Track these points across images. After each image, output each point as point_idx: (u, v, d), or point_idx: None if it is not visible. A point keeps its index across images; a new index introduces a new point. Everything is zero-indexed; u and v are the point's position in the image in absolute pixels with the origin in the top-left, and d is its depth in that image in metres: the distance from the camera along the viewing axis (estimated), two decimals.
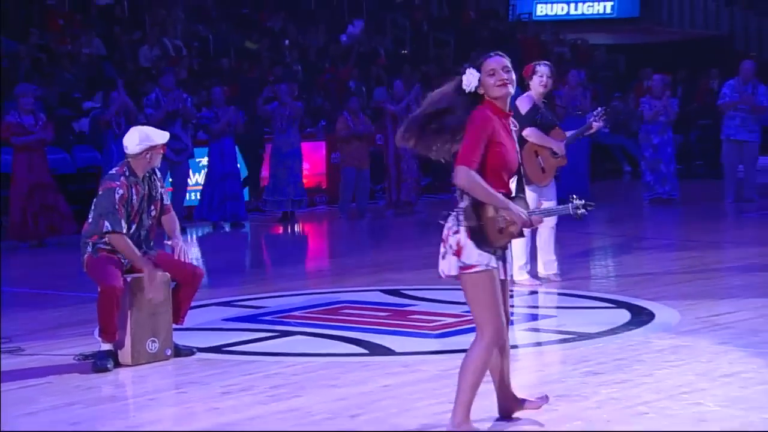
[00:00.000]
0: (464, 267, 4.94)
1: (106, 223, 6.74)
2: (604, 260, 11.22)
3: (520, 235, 5.08)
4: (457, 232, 4.96)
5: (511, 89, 5.06)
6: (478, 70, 5.02)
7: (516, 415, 5.34)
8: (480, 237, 4.93)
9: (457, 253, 4.94)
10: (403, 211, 15.15)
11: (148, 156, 6.88)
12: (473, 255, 4.92)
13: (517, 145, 5.13)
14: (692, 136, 20.40)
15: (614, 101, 20.16)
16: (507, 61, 5.07)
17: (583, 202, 5.23)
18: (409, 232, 14.08)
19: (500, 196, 4.94)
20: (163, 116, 13.30)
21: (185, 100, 13.81)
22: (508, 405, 5.36)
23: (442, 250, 5.05)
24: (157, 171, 7.07)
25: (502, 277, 5.07)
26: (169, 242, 7.05)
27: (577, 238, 11.75)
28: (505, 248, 5.09)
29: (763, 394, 5.76)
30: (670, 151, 15.39)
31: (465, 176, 4.89)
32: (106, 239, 6.78)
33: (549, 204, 9.11)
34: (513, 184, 5.13)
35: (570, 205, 5.23)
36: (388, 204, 15.44)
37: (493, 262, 4.96)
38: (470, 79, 5.03)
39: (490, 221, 4.94)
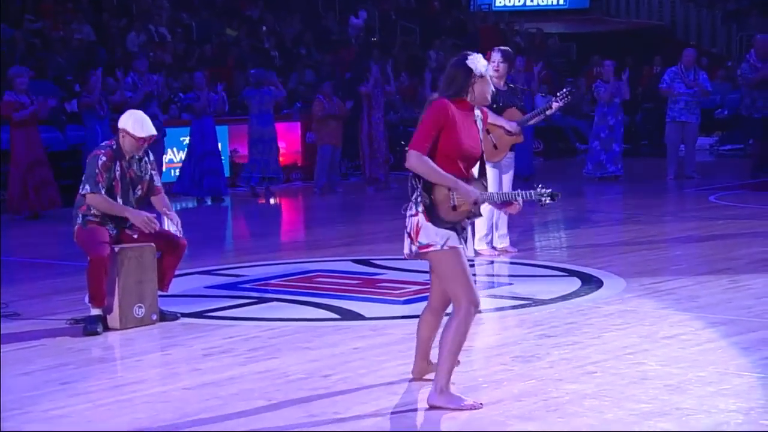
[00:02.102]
0: (422, 246, 4.92)
1: (87, 186, 6.70)
2: (557, 232, 11.25)
3: (478, 213, 5.03)
4: (415, 215, 4.94)
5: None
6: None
7: (427, 377, 5.27)
8: (434, 215, 4.90)
9: (416, 234, 4.92)
10: (380, 187, 15.11)
11: (122, 137, 6.81)
12: (430, 235, 4.90)
13: (480, 135, 5.05)
14: (638, 118, 20.46)
15: (567, 86, 20.16)
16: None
17: (550, 191, 5.10)
18: (379, 206, 14.06)
19: (449, 176, 4.87)
20: (141, 98, 13.21)
21: (157, 82, 13.74)
22: (425, 366, 5.32)
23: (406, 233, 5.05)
24: (149, 154, 6.99)
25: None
26: (166, 212, 6.97)
27: (531, 212, 11.77)
28: (464, 227, 5.03)
29: (700, 354, 5.81)
30: (621, 131, 15.43)
31: (415, 160, 4.87)
32: (87, 200, 6.71)
33: (507, 177, 9.12)
34: (475, 170, 5.06)
35: (533, 191, 5.12)
36: (366, 180, 15.40)
37: (454, 240, 4.91)
38: (483, 64, 4.97)
39: (442, 199, 4.90)
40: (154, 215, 6.83)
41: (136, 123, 6.81)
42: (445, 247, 4.89)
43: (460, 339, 4.92)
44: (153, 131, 6.90)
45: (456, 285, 4.91)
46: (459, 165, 4.94)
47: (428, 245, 4.91)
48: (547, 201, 5.09)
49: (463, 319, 4.90)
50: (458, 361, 5.21)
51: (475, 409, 4.86)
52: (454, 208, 4.92)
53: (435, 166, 4.87)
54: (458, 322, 4.90)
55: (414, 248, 4.95)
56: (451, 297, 4.99)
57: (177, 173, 15.04)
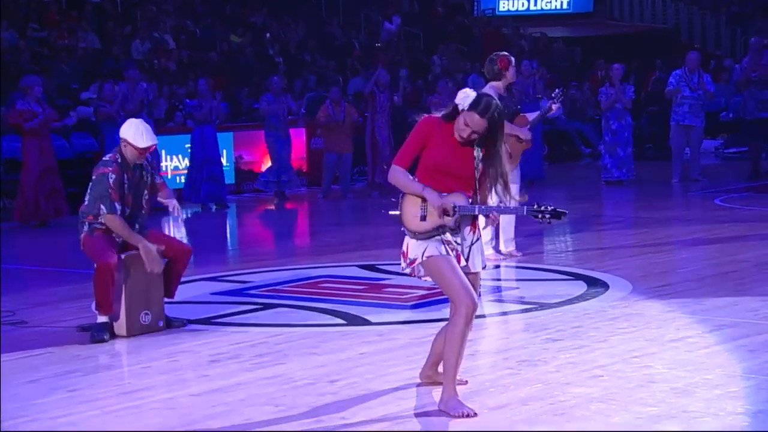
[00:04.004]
0: (410, 263, 5.05)
1: (102, 207, 6.72)
2: (563, 236, 11.25)
3: (451, 225, 4.94)
4: (405, 234, 5.06)
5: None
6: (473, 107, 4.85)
7: (436, 380, 5.25)
8: (409, 229, 4.98)
9: (406, 252, 5.04)
10: (385, 192, 15.10)
11: (124, 146, 6.85)
12: (413, 250, 5.01)
13: (474, 152, 4.95)
14: (643, 122, 20.45)
15: (571, 89, 20.18)
16: (485, 125, 4.88)
17: (552, 209, 4.92)
18: (385, 211, 14.04)
19: (418, 185, 4.94)
20: (133, 107, 13.25)
21: (146, 90, 13.80)
22: (433, 373, 5.31)
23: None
24: (147, 156, 7.03)
25: (463, 265, 5.00)
26: (164, 200, 7.02)
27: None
28: (451, 232, 4.95)
29: (707, 356, 5.81)
30: (626, 135, 15.40)
31: (391, 172, 5.02)
32: (102, 220, 6.76)
33: (514, 186, 9.10)
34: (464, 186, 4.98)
35: (527, 207, 4.99)
36: (370, 185, 15.40)
37: (431, 250, 4.95)
38: (467, 100, 4.90)
39: (409, 209, 4.97)
40: (162, 248, 6.84)
41: (137, 133, 6.85)
42: (424, 258, 4.97)
43: (459, 346, 4.92)
44: (154, 140, 6.94)
45: (447, 290, 4.98)
46: (443, 181, 4.95)
47: (413, 260, 5.03)
48: (547, 218, 4.92)
49: (461, 322, 4.92)
50: (466, 381, 5.28)
51: (468, 417, 4.84)
52: (423, 218, 4.96)
53: (408, 176, 4.98)
54: (456, 327, 4.92)
55: (403, 265, 5.09)
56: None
57: (182, 180, 15.08)
